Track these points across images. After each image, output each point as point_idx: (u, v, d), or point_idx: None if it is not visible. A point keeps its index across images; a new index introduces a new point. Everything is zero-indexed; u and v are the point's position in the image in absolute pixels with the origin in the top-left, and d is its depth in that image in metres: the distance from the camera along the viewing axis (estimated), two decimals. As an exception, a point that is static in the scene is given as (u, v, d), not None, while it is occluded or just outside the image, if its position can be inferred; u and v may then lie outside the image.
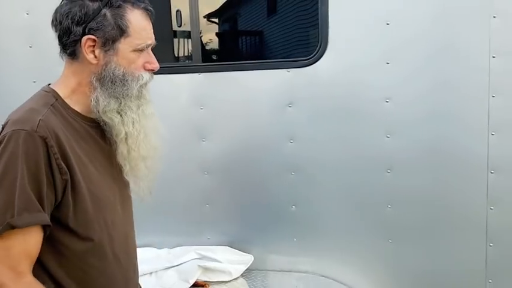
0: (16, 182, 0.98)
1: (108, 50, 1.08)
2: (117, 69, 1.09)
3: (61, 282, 1.08)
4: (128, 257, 1.22)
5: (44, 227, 1.03)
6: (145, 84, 1.14)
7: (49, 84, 1.15)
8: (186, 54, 3.10)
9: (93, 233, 1.09)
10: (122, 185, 1.20)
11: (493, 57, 1.80)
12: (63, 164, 1.03)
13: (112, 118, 1.11)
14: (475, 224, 1.89)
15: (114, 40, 1.08)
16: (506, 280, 1.90)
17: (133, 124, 1.12)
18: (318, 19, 1.96)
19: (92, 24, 1.06)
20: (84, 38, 1.07)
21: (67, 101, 1.12)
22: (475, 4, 1.81)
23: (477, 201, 1.87)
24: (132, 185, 1.18)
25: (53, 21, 1.10)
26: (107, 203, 1.14)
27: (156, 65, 1.15)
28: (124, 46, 1.09)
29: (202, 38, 2.69)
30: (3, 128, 1.05)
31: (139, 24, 1.10)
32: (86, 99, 1.11)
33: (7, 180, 0.99)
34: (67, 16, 1.07)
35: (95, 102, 1.09)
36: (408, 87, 1.91)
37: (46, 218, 1.01)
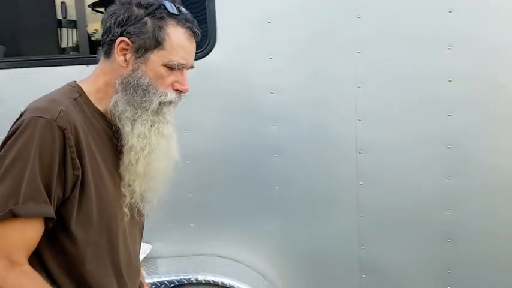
0: (26, 169, 0.95)
1: (140, 57, 1.07)
2: (143, 78, 1.07)
3: (57, 281, 1.04)
4: (129, 271, 1.16)
5: (47, 220, 0.99)
6: (169, 103, 1.10)
7: (75, 82, 1.13)
8: (72, 45, 2.99)
9: (93, 238, 1.05)
10: None
11: (358, 52, 2.08)
12: (77, 159, 1.00)
13: (123, 125, 1.08)
14: (347, 198, 2.17)
15: (147, 49, 1.06)
16: (376, 245, 2.22)
17: (138, 137, 1.08)
18: (206, 14, 2.08)
19: (131, 29, 1.06)
20: (119, 39, 1.06)
21: (91, 98, 1.10)
22: (343, 5, 2.08)
23: (348, 178, 2.15)
24: (127, 199, 1.12)
25: (102, 19, 1.10)
26: (114, 208, 1.10)
27: (185, 87, 1.12)
28: (156, 58, 1.07)
29: (89, 28, 2.62)
30: (21, 116, 1.01)
31: (178, 41, 1.07)
32: (109, 100, 1.09)
33: (17, 166, 0.95)
34: (111, 16, 1.07)
35: (113, 105, 1.08)
36: (288, 80, 2.12)
37: (51, 210, 0.97)
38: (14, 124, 1.01)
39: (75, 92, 1.09)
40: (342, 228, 2.19)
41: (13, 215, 0.94)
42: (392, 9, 2.08)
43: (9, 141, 0.98)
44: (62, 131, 0.98)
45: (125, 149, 1.09)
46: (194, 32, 1.10)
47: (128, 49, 1.07)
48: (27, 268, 0.98)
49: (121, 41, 1.06)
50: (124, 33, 1.06)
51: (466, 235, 2.17)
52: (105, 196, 1.07)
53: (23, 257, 0.98)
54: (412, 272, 2.24)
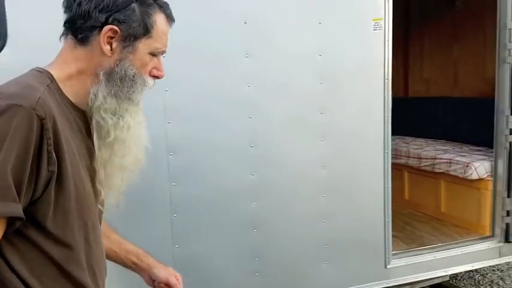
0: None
1: (127, 46, 1.01)
2: (130, 68, 1.01)
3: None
4: (100, 271, 1.09)
5: (14, 221, 0.88)
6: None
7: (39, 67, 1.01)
8: None
9: (72, 238, 0.97)
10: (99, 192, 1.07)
11: (163, 56, 2.13)
12: (53, 153, 0.89)
13: (105, 118, 1.01)
14: (161, 199, 2.21)
15: (136, 37, 1.01)
16: (189, 243, 2.31)
17: (127, 130, 1.03)
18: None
19: (119, 16, 0.99)
20: (107, 27, 0.98)
21: (60, 85, 0.99)
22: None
23: (161, 179, 2.19)
24: (102, 195, 1.07)
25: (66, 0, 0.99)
26: (90, 205, 1.02)
27: (162, 73, 1.09)
28: (143, 46, 1.02)
29: None
30: None
31: (162, 28, 1.04)
32: (82, 89, 1.01)
33: None
34: (90, 0, 0.98)
35: (94, 96, 1.00)
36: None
37: (20, 209, 0.86)
38: None
39: (46, 78, 0.98)
40: (157, 229, 2.22)
41: None
42: (194, 18, 2.20)
43: None
44: (41, 120, 0.87)
45: (106, 142, 1.03)
46: (172, 18, 1.09)
47: (113, 37, 1.00)
48: None
49: (110, 29, 0.99)
50: (111, 21, 0.99)
51: (268, 224, 2.43)
52: (83, 192, 0.98)
53: None
54: (224, 264, 2.39)
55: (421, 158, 3.75)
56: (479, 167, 3.16)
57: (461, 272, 3.69)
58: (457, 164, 3.32)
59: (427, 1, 4.51)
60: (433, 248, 2.97)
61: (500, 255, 3.10)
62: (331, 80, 2.45)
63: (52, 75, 1.00)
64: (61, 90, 1.00)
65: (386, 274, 2.75)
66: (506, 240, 3.01)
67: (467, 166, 3.21)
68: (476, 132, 3.59)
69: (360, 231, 2.66)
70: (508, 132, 2.88)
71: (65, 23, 1.02)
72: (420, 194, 3.93)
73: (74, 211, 0.97)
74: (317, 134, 2.49)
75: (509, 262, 3.82)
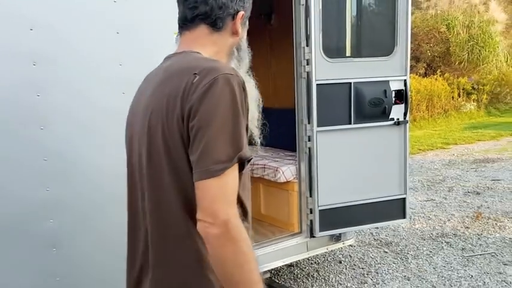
0: (238, 120, 1.10)
1: (243, 25, 1.28)
2: (244, 42, 1.31)
3: (244, 204, 1.23)
4: None
5: (244, 163, 1.13)
6: None
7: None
8: None
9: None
10: None
11: None
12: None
13: None
14: None
15: (248, 16, 1.29)
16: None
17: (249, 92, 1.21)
18: None
19: (240, 2, 1.25)
20: (241, 13, 1.25)
21: None
22: None
23: None
24: None
25: None
26: None
27: None
28: (247, 22, 1.31)
29: None
30: (197, 75, 1.11)
31: None
32: None
33: (231, 117, 1.08)
34: None
35: None
36: None
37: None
38: (197, 81, 1.10)
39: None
40: None
41: (239, 160, 1.08)
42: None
43: (215, 97, 1.08)
44: (243, 85, 1.13)
45: None
46: None
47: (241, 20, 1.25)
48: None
49: (242, 14, 1.25)
50: (238, 7, 1.24)
51: (69, 242, 2.30)
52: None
53: (236, 202, 1.10)
54: (22, 286, 2.20)
55: (242, 165, 3.98)
56: (286, 170, 3.49)
57: (282, 268, 4.01)
58: (269, 168, 3.61)
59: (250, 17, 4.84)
60: (247, 248, 3.16)
61: (308, 249, 3.46)
62: (133, 90, 2.45)
63: None
64: None
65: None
66: (312, 236, 3.36)
67: (276, 170, 3.51)
68: (290, 139, 3.95)
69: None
70: (307, 139, 3.23)
71: (196, 16, 1.23)
72: (245, 198, 4.15)
73: None
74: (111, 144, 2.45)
75: (325, 254, 4.29)
